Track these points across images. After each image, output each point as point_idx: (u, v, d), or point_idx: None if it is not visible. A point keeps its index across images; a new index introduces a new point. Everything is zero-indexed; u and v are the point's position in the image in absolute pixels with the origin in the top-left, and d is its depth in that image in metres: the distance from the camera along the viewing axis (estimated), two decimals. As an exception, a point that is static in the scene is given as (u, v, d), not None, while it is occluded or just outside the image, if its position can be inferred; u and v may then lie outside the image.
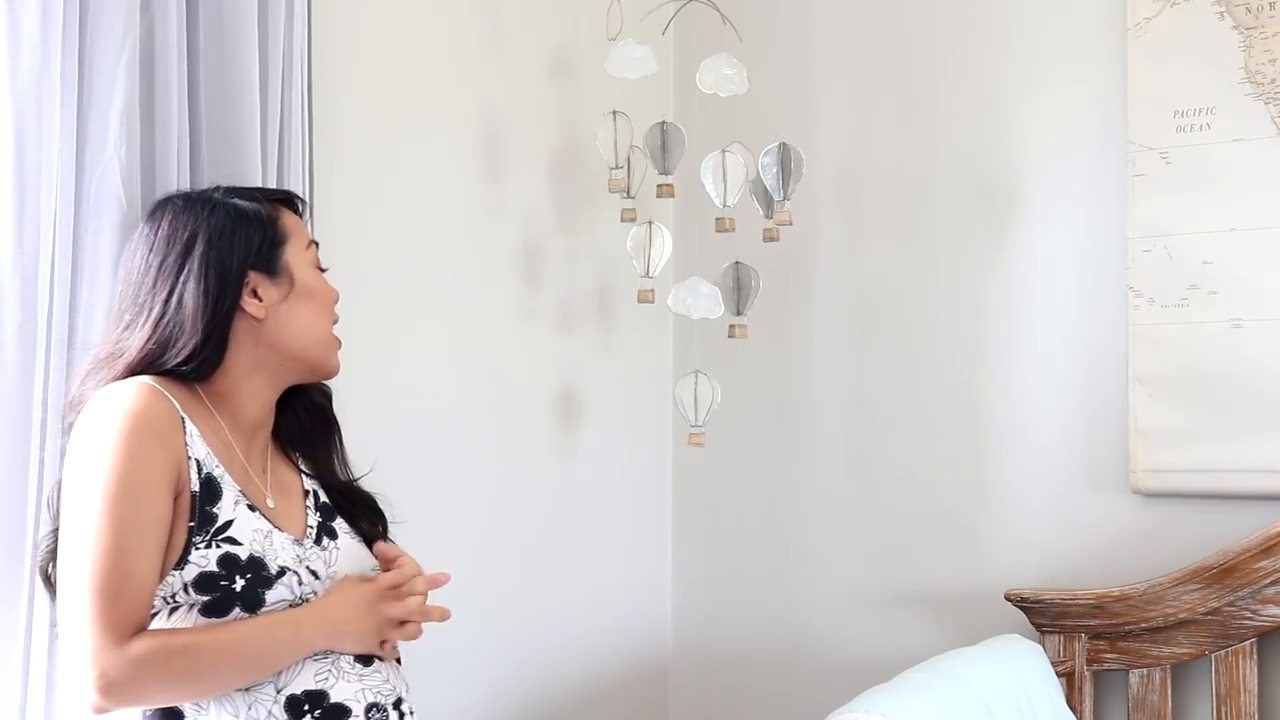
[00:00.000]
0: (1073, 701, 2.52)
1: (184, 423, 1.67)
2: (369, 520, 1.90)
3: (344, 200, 2.34)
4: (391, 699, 1.75)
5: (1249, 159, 2.51)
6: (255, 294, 1.75)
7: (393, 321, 2.50)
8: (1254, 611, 2.43)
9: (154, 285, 1.72)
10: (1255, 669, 2.44)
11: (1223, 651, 2.46)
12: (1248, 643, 2.44)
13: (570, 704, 2.89)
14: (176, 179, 1.99)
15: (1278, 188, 2.49)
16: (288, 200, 1.86)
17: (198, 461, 1.67)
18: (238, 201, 1.78)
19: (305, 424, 1.89)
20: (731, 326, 2.71)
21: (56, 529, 1.70)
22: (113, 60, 1.90)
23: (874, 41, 2.94)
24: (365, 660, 1.74)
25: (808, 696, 2.85)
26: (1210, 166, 2.54)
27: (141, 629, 1.60)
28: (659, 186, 2.67)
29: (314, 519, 1.81)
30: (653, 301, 2.69)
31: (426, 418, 2.59)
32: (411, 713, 1.78)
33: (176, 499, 1.64)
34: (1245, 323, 2.51)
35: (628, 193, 2.67)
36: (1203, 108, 2.55)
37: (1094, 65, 2.69)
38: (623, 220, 2.68)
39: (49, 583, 1.73)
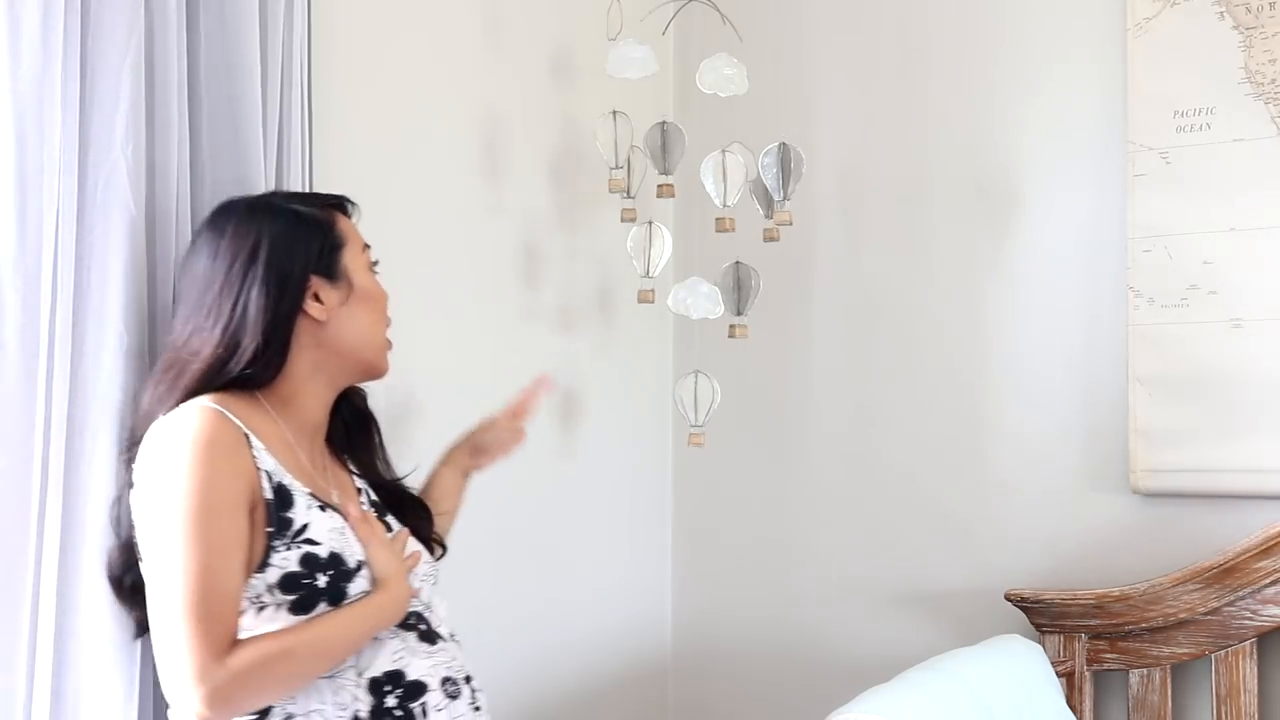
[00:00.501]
0: (1073, 701, 2.53)
1: (249, 439, 1.72)
2: (417, 516, 1.99)
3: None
4: (462, 674, 1.84)
5: (1249, 159, 2.51)
6: (317, 297, 1.82)
7: (393, 321, 2.49)
8: (1254, 611, 2.43)
9: (220, 291, 1.78)
10: (1255, 669, 2.45)
11: (1223, 651, 2.46)
12: (1248, 643, 2.44)
13: (570, 704, 2.89)
14: (177, 180, 1.99)
15: (1278, 188, 2.49)
16: (340, 204, 1.92)
17: (267, 473, 1.73)
18: (298, 207, 1.85)
19: (350, 426, 1.97)
20: (731, 326, 2.71)
21: (123, 543, 1.80)
22: (117, 61, 1.89)
23: (874, 41, 2.94)
24: (429, 639, 1.82)
25: (808, 696, 2.85)
26: (1210, 166, 2.54)
27: (235, 640, 1.66)
28: (659, 186, 2.67)
29: (372, 514, 1.89)
30: (653, 301, 2.69)
31: (426, 417, 2.58)
32: (480, 689, 1.86)
33: (252, 511, 1.70)
34: (1245, 323, 2.51)
35: (628, 193, 2.67)
36: (1203, 108, 2.55)
37: (1094, 65, 2.69)
38: (623, 220, 2.68)
39: (119, 589, 1.82)
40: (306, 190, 2.16)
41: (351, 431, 1.98)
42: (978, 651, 2.39)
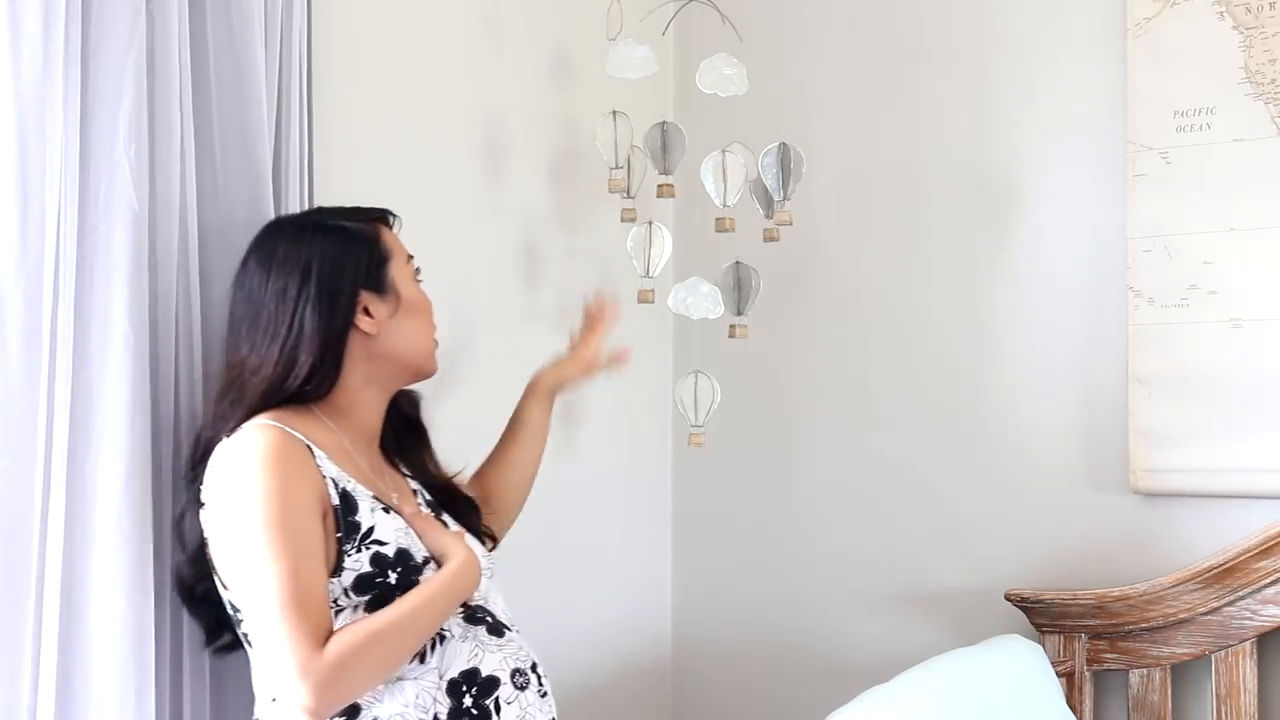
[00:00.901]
0: (1073, 701, 2.53)
1: (311, 450, 1.81)
2: (467, 512, 2.08)
3: (344, 201, 2.34)
4: (529, 663, 1.90)
5: (1249, 159, 2.51)
6: (367, 312, 1.91)
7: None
8: (1254, 611, 2.43)
9: (275, 312, 1.85)
10: (1255, 669, 2.45)
11: (1223, 651, 2.46)
12: (1248, 643, 2.44)
13: (571, 703, 2.88)
14: (180, 179, 1.98)
15: (1278, 188, 2.49)
16: (382, 217, 2.00)
17: (332, 480, 1.81)
18: (344, 224, 1.93)
19: (399, 430, 2.05)
20: (731, 326, 2.71)
21: (191, 556, 1.89)
22: (119, 61, 1.89)
23: (874, 41, 2.94)
24: (497, 631, 1.89)
25: (808, 696, 2.85)
26: (1210, 166, 2.54)
27: (330, 634, 1.73)
28: (659, 186, 2.66)
29: (428, 511, 1.98)
30: (653, 301, 2.69)
31: (426, 417, 2.58)
32: (545, 675, 1.93)
33: (323, 519, 1.78)
34: (1245, 323, 2.51)
35: (628, 193, 2.67)
36: (1203, 108, 2.55)
37: (1094, 65, 2.69)
38: (623, 220, 2.68)
39: (191, 599, 1.91)
40: (300, 196, 2.18)
41: (400, 434, 2.06)
42: (978, 651, 2.40)
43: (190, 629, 1.98)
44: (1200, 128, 2.55)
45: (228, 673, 2.02)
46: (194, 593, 1.91)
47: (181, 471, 1.95)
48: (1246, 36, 2.52)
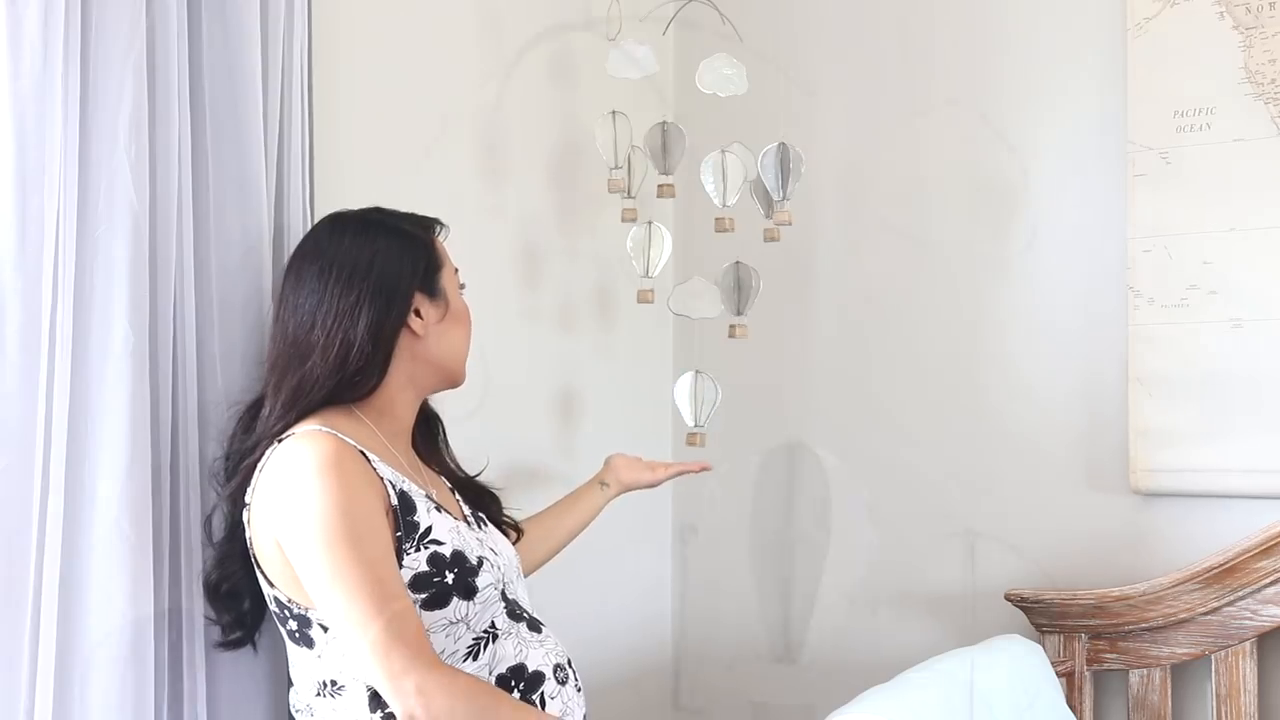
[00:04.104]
0: (1073, 701, 2.53)
1: (365, 455, 1.83)
2: (490, 504, 2.12)
3: (343, 201, 2.34)
4: (564, 659, 1.97)
5: (1249, 159, 2.51)
6: (418, 313, 1.95)
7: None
8: (1254, 611, 2.43)
9: (337, 302, 1.88)
10: (1255, 669, 2.44)
11: (1223, 651, 2.46)
12: (1248, 643, 2.44)
13: (570, 704, 2.89)
14: (179, 180, 1.99)
15: (1278, 188, 2.49)
16: (433, 226, 2.04)
17: (389, 481, 1.84)
18: (405, 226, 1.97)
19: (419, 430, 2.07)
20: (731, 326, 2.71)
21: (218, 552, 1.94)
22: (119, 61, 1.89)
23: (874, 41, 2.94)
24: (534, 628, 1.95)
25: (808, 696, 2.85)
26: (1210, 166, 2.54)
27: (420, 629, 1.75)
28: (659, 186, 2.67)
29: (465, 508, 2.04)
30: (653, 301, 2.69)
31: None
32: (576, 670, 1.98)
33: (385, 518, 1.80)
34: (1245, 323, 2.51)
35: (628, 193, 2.67)
36: (1203, 108, 2.55)
37: (1094, 65, 2.69)
38: (623, 220, 2.68)
39: (215, 594, 1.94)
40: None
41: (420, 435, 2.08)
42: (978, 651, 2.39)
43: (189, 630, 1.98)
44: (1200, 128, 2.55)
45: (227, 673, 2.02)
46: (219, 589, 1.94)
47: (201, 469, 1.98)
48: (1246, 36, 2.52)
